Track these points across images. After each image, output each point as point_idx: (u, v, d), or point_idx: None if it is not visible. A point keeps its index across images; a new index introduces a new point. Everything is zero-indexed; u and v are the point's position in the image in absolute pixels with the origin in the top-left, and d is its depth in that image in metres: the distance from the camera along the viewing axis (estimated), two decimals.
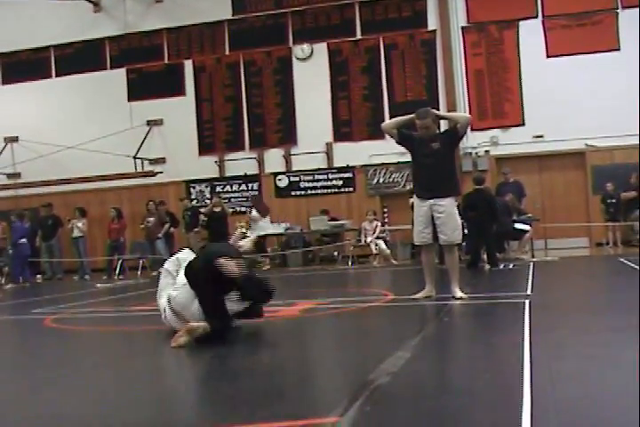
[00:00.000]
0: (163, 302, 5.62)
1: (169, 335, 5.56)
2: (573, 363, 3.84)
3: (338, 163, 17.70)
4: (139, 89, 18.86)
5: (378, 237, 15.01)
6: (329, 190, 17.75)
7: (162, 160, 18.59)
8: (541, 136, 16.43)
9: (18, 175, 19.52)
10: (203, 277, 5.26)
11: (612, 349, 4.20)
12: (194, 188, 18.51)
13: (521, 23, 16.74)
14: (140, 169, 17.97)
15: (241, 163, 18.20)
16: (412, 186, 9.87)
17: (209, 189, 18.40)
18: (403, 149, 7.91)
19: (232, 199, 18.05)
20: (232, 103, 18.42)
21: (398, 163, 16.69)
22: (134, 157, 17.78)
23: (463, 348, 4.93)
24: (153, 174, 18.01)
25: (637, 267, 9.62)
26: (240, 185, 18.31)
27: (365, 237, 15.14)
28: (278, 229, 16.43)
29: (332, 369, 4.38)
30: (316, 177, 17.84)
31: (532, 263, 11.79)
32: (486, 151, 16.84)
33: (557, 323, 5.34)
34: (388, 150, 16.12)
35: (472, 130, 16.37)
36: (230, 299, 5.28)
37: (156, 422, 3.15)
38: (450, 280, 7.23)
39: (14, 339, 7.05)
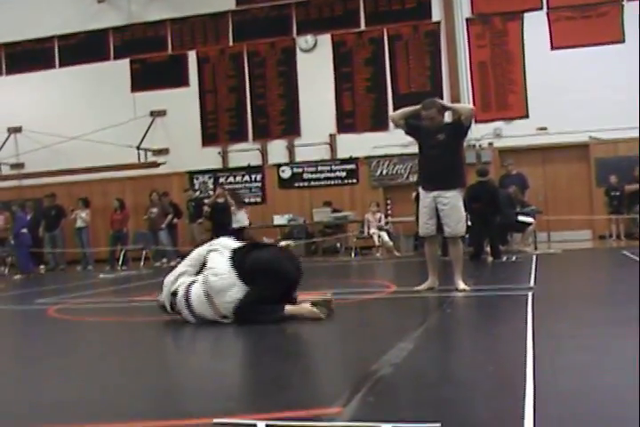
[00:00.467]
0: (184, 280, 5.64)
1: (172, 325, 5.59)
2: (576, 355, 3.84)
3: (341, 154, 17.68)
4: (142, 80, 18.85)
5: (381, 229, 15.01)
6: (332, 182, 17.74)
7: (165, 151, 18.59)
8: (545, 128, 16.39)
9: (21, 166, 19.54)
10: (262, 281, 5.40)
11: (614, 340, 4.21)
12: (197, 179, 18.51)
13: (525, 15, 16.69)
14: (143, 160, 17.98)
15: (244, 154, 18.20)
16: (415, 178, 9.87)
17: (212, 180, 18.40)
18: (406, 141, 7.94)
19: (235, 190, 18.02)
20: (235, 94, 18.40)
21: (402, 155, 16.68)
22: (137, 148, 17.78)
23: (466, 339, 4.94)
24: (156, 165, 18.00)
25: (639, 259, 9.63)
26: (243, 176, 18.31)
27: (368, 228, 15.14)
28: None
29: (334, 360, 4.38)
30: (320, 168, 17.83)
31: (534, 256, 11.78)
32: (490, 143, 16.82)
33: (560, 315, 5.34)
34: (391, 142, 16.13)
35: (476, 122, 16.27)
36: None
37: (159, 410, 3.16)
38: (453, 272, 7.23)
39: (17, 329, 7.07)
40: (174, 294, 5.59)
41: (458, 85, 16.87)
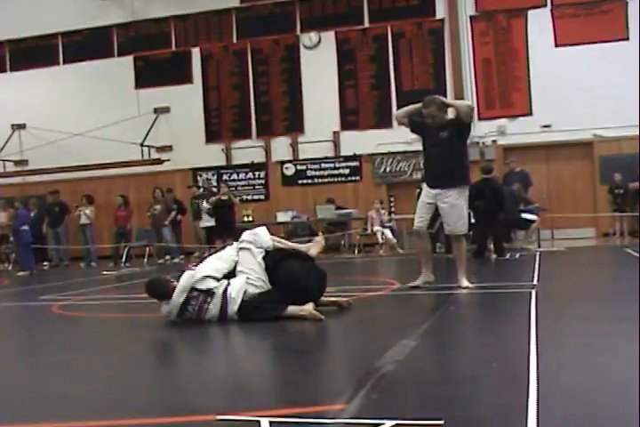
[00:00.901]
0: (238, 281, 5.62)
1: (174, 322, 5.59)
2: (579, 351, 3.85)
3: (345, 151, 17.67)
4: (146, 77, 18.86)
5: (384, 226, 15.01)
6: (336, 179, 17.73)
7: (169, 148, 18.60)
8: (549, 126, 16.36)
9: (25, 162, 19.57)
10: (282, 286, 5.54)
11: (616, 337, 4.21)
12: (200, 176, 18.50)
13: (529, 12, 16.65)
14: (146, 157, 18.00)
15: (248, 151, 18.20)
16: (418, 175, 9.86)
17: (216, 176, 18.40)
18: (409, 138, 7.94)
19: (239, 187, 18.06)
20: (239, 91, 18.40)
21: (405, 152, 16.67)
22: (141, 145, 17.81)
23: (469, 336, 4.94)
24: (160, 162, 18.03)
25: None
26: (247, 173, 18.32)
27: (372, 225, 15.13)
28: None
29: (338, 357, 4.39)
30: (323, 166, 17.82)
31: (538, 253, 11.78)
32: (494, 141, 16.79)
33: (563, 312, 5.34)
34: (395, 139, 16.12)
35: (479, 119, 16.38)
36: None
37: (162, 407, 3.17)
38: (457, 269, 7.22)
39: (21, 325, 7.09)
40: (196, 289, 5.51)
41: (461, 83, 16.85)
